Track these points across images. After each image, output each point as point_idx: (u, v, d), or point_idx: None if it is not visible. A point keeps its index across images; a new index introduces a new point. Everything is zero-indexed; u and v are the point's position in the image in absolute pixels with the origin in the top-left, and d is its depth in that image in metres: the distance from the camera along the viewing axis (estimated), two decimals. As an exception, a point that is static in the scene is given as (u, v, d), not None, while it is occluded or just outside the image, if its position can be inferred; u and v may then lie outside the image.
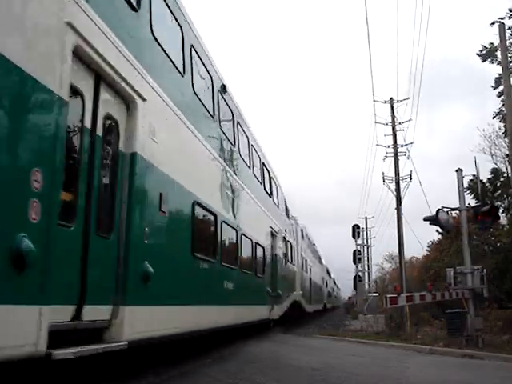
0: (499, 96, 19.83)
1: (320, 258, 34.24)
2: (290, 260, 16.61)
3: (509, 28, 17.66)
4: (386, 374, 6.87)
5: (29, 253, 2.97)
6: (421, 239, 45.23)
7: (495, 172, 21.45)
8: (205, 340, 7.64)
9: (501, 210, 19.61)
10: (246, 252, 10.09)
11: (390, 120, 19.75)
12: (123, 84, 4.51)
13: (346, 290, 63.13)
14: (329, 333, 15.05)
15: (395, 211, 18.60)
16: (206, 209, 7.16)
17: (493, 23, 18.00)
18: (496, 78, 20.04)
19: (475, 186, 16.40)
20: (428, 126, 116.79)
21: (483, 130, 22.82)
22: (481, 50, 20.64)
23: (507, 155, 18.94)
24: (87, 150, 4.03)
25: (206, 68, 7.67)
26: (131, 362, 5.37)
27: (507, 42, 14.84)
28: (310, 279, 24.98)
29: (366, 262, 31.66)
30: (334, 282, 56.27)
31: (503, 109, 18.48)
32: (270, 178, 13.76)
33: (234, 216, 8.99)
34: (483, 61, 20.72)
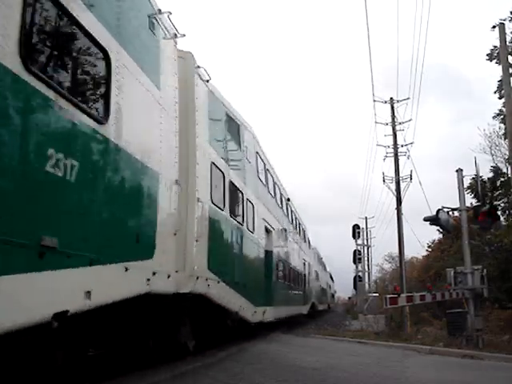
0: (500, 98, 19.89)
1: (325, 266, 40.17)
2: (309, 275, 24.13)
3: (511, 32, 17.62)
4: (386, 373, 6.87)
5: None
6: (421, 239, 45.20)
7: (495, 171, 21.43)
8: (212, 338, 7.72)
9: (500, 208, 19.60)
10: (297, 277, 18.59)
11: (390, 120, 19.79)
12: (270, 227, 12.66)
13: (346, 290, 63.15)
14: (329, 333, 15.05)
15: (395, 211, 18.63)
16: (290, 266, 16.71)
17: (494, 27, 17.97)
18: (498, 81, 20.06)
19: (475, 185, 16.39)
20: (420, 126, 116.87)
21: (483, 130, 22.75)
22: (491, 50, 20.65)
23: (507, 159, 18.93)
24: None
25: (283, 196, 16.22)
26: (131, 361, 5.39)
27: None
28: (320, 285, 31.78)
29: (366, 262, 31.69)
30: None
31: (503, 109, 18.51)
32: (304, 230, 23.17)
33: (293, 261, 17.45)
34: (490, 60, 20.77)
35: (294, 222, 19.50)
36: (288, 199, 17.15)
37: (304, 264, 21.41)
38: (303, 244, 22.05)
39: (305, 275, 21.34)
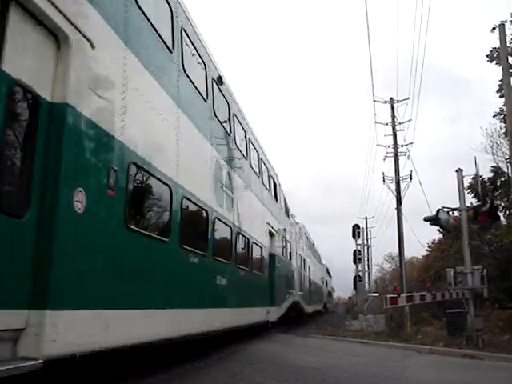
0: (501, 97, 19.91)
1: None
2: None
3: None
4: (386, 373, 6.87)
5: None
6: (421, 239, 45.25)
7: (496, 170, 21.44)
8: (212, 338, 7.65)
9: (500, 208, 19.62)
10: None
11: (390, 120, 19.79)
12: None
13: (346, 290, 63.18)
14: (329, 333, 15.05)
15: (395, 211, 18.62)
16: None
17: (493, 29, 18.00)
18: (500, 80, 20.10)
19: (476, 185, 16.41)
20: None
21: (485, 130, 22.75)
22: (490, 52, 20.72)
23: (507, 158, 18.94)
24: None
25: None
26: (132, 362, 5.39)
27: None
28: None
29: (366, 262, 31.67)
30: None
31: (503, 108, 18.52)
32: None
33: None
34: (491, 61, 20.86)
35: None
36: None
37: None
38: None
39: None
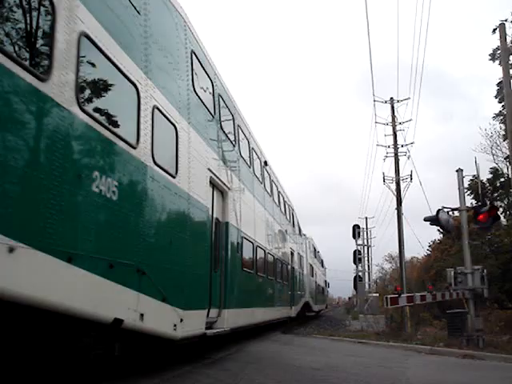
0: (500, 102, 19.95)
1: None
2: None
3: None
4: (386, 374, 6.87)
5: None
6: (421, 239, 45.31)
7: (495, 172, 21.46)
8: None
9: (500, 210, 19.64)
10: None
11: (391, 120, 19.79)
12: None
13: (346, 291, 63.14)
14: (329, 333, 15.04)
15: (395, 211, 18.62)
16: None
17: (494, 30, 18.03)
18: (497, 86, 20.13)
19: (475, 186, 16.42)
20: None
21: (485, 130, 22.82)
22: (493, 51, 20.78)
23: (507, 157, 18.95)
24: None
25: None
26: (132, 362, 5.39)
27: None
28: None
29: (366, 262, 31.65)
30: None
31: (501, 110, 18.54)
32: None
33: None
34: (493, 61, 20.93)
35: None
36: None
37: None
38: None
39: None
